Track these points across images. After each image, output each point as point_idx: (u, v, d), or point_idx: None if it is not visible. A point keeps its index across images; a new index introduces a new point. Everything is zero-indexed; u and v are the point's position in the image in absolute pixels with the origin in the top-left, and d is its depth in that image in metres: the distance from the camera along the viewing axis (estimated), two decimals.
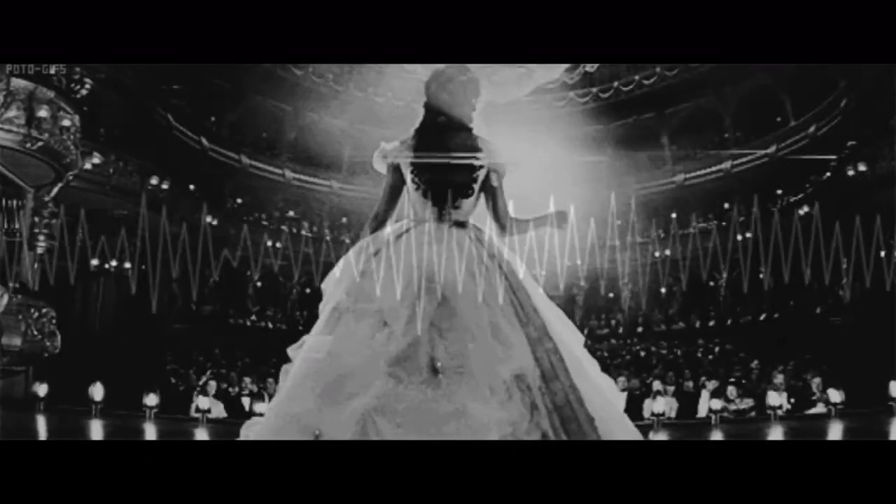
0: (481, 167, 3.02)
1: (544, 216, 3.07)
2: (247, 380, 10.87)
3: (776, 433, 6.74)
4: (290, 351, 2.81)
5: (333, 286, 2.85)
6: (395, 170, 3.07)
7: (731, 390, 9.53)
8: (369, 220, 3.08)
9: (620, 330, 21.62)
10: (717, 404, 7.62)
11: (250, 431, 2.73)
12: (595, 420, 2.59)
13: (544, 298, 2.88)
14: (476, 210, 3.11)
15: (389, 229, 2.99)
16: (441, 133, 3.05)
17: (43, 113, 8.91)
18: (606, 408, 2.68)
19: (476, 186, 3.03)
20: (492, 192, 3.08)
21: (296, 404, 2.56)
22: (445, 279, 2.70)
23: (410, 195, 3.06)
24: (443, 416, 2.41)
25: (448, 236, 2.87)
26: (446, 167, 2.99)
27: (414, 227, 2.94)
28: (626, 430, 2.73)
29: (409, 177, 3.04)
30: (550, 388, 2.61)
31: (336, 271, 2.89)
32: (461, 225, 2.99)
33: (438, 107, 3.08)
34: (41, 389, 7.48)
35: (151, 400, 7.04)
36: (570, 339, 2.82)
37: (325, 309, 2.83)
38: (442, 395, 2.46)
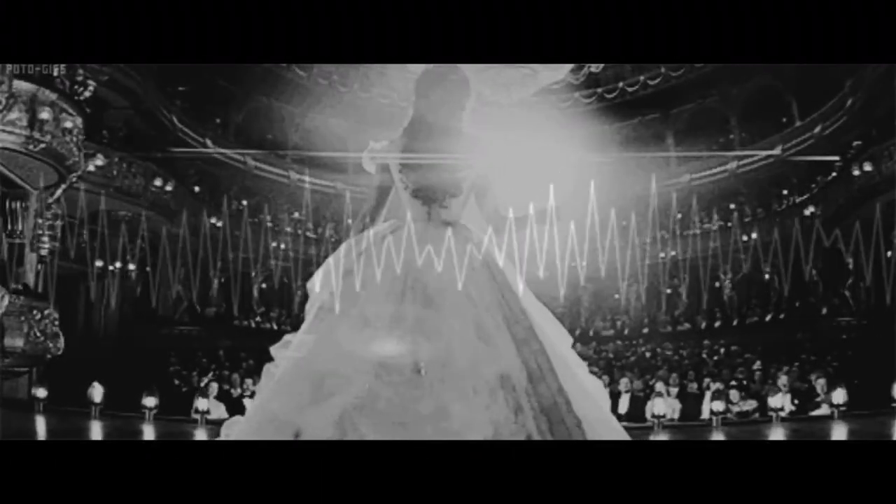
0: (470, 167, 3.01)
1: (534, 214, 3.05)
2: (248, 381, 10.87)
3: (777, 435, 6.69)
4: (273, 350, 2.80)
5: (319, 286, 2.84)
6: (384, 169, 3.05)
7: (734, 393, 9.47)
8: (357, 219, 3.07)
9: (626, 331, 21.57)
10: (718, 406, 7.56)
11: (231, 430, 2.72)
12: (582, 422, 2.56)
13: (532, 299, 2.86)
14: (466, 209, 3.09)
15: (377, 229, 2.98)
16: (430, 132, 3.02)
17: (45, 115, 8.94)
18: (594, 410, 2.65)
19: (465, 186, 3.01)
20: (481, 192, 3.06)
21: (276, 403, 2.56)
22: (431, 279, 2.69)
23: (399, 195, 3.04)
24: (425, 417, 2.40)
25: (436, 236, 2.85)
26: (435, 167, 2.97)
27: (402, 226, 2.92)
28: (612, 432, 2.70)
29: (397, 176, 3.02)
30: (537, 389, 2.58)
31: (321, 271, 2.87)
32: (449, 224, 2.96)
33: (428, 106, 3.05)
34: (41, 391, 7.50)
35: (150, 401, 7.05)
36: (557, 339, 2.79)
37: (311, 309, 2.82)
38: (424, 395, 2.44)
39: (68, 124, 9.37)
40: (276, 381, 2.63)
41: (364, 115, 21.15)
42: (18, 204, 10.07)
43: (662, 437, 6.84)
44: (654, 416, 7.15)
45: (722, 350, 17.30)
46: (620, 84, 22.06)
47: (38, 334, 9.15)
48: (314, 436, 2.40)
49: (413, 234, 2.82)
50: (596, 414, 2.65)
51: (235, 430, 2.68)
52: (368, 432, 2.35)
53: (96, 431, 6.64)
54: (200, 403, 7.18)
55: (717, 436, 6.87)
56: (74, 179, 10.25)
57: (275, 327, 20.60)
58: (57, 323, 9.53)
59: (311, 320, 2.77)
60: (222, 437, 2.74)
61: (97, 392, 7.11)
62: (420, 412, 2.40)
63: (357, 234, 2.98)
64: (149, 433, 6.61)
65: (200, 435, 6.62)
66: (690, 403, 10.41)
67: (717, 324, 20.15)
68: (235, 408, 9.82)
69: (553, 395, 2.58)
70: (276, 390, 2.60)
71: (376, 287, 2.69)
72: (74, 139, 9.57)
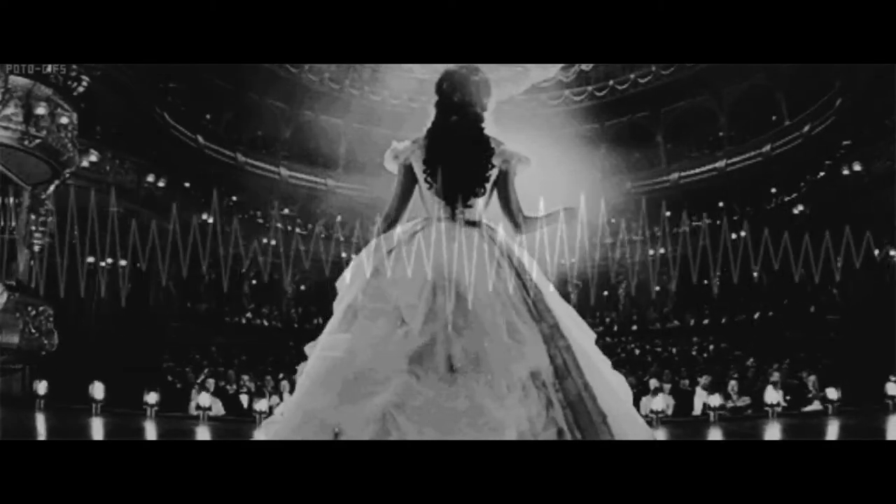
0: (493, 166, 3.04)
1: (555, 213, 3.09)
2: (245, 377, 10.87)
3: (773, 430, 6.80)
4: (308, 349, 2.82)
5: (347, 285, 2.87)
6: (407, 169, 3.09)
7: (733, 384, 9.58)
8: (381, 219, 3.09)
9: (615, 328, 21.67)
10: (715, 401, 7.67)
11: (269, 430, 2.74)
12: (607, 416, 2.61)
13: (556, 296, 2.90)
14: (488, 208, 3.13)
15: (402, 228, 3.01)
16: (453, 133, 3.06)
17: (41, 110, 8.89)
18: (618, 404, 2.70)
19: (488, 186, 3.05)
20: (504, 191, 3.09)
21: (314, 402, 2.57)
22: (459, 278, 2.72)
23: (423, 195, 3.08)
24: (460, 414, 2.43)
25: (460, 235, 2.88)
26: (458, 167, 3.01)
27: (426, 226, 2.96)
28: (637, 427, 2.75)
29: (421, 176, 3.05)
30: (563, 385, 2.63)
31: (350, 270, 2.90)
32: (473, 224, 3.00)
33: (450, 107, 3.09)
34: (41, 387, 7.47)
35: (152, 398, 7.04)
36: (581, 336, 2.84)
37: (339, 307, 2.85)
38: (459, 393, 2.48)
39: (64, 120, 9.32)
40: (313, 381, 2.65)
41: (355, 112, 21.14)
42: (11, 200, 10.00)
43: (660, 432, 6.93)
44: (652, 411, 7.24)
45: (711, 347, 17.44)
46: (611, 82, 22.13)
47: (33, 330, 9.10)
48: (355, 435, 2.42)
49: (438, 234, 2.85)
50: (620, 408, 2.70)
51: (273, 429, 2.70)
52: (408, 430, 2.38)
53: (97, 429, 6.63)
54: (202, 399, 7.18)
55: (715, 431, 6.97)
56: (68, 175, 10.20)
57: (265, 323, 20.58)
58: (51, 319, 9.48)
59: (339, 319, 2.79)
60: (262, 436, 2.76)
61: (98, 389, 7.09)
62: (456, 409, 2.44)
63: (382, 232, 3.01)
64: (151, 430, 6.61)
65: (203, 431, 6.64)
66: (682, 399, 10.53)
67: (705, 321, 20.30)
68: (232, 404, 9.84)
69: (579, 390, 2.63)
70: (314, 389, 2.62)
71: (406, 286, 2.72)
72: (69, 135, 9.51)
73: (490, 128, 3.14)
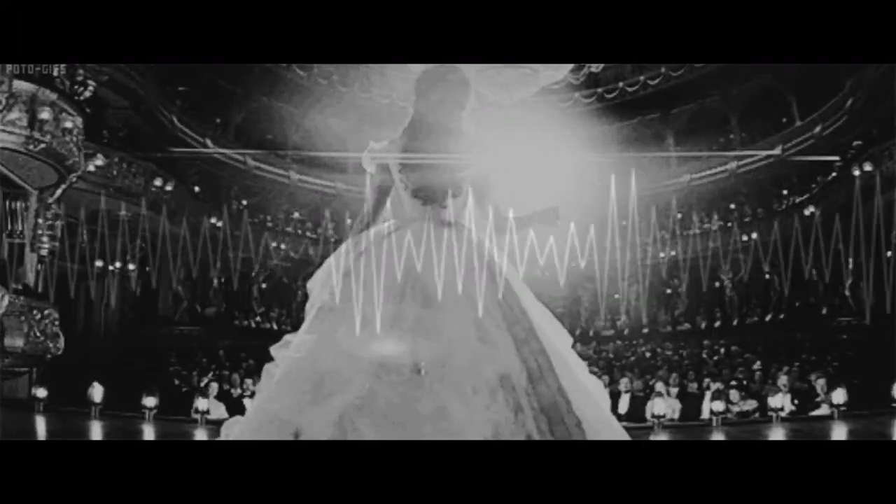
0: (470, 167, 3.00)
1: (533, 214, 3.05)
2: (248, 381, 10.86)
3: (777, 435, 6.69)
4: (273, 350, 2.80)
5: (319, 286, 2.85)
6: (384, 169, 3.05)
7: (734, 393, 9.47)
8: (357, 219, 3.07)
9: (626, 331, 21.56)
10: (718, 406, 7.56)
11: (231, 430, 2.72)
12: (582, 422, 2.56)
13: (532, 299, 2.86)
14: (466, 210, 3.09)
15: (376, 229, 2.98)
16: (430, 132, 3.02)
17: (45, 115, 8.95)
18: (593, 409, 2.65)
19: (465, 186, 3.02)
20: (481, 192, 3.06)
21: (276, 403, 2.56)
22: (431, 279, 2.69)
23: (399, 195, 3.04)
24: (424, 417, 2.40)
25: (435, 236, 2.84)
26: (435, 167, 2.97)
27: (401, 226, 2.93)
28: (612, 432, 2.70)
29: (397, 176, 3.02)
30: (537, 389, 2.58)
31: (322, 271, 2.88)
32: (449, 225, 2.96)
33: (428, 106, 3.05)
34: (41, 391, 7.50)
35: (150, 401, 7.05)
36: (557, 340, 2.79)
37: (311, 309, 2.82)
38: (424, 395, 2.44)
39: (68, 124, 9.38)
40: (277, 382, 2.63)
41: (364, 115, 21.15)
42: (19, 204, 10.08)
43: (662, 437, 6.83)
44: (654, 416, 7.15)
45: (722, 350, 17.29)
46: (620, 84, 22.06)
47: (39, 334, 9.16)
48: (314, 436, 2.40)
49: (412, 234, 2.82)
50: (596, 414, 2.65)
51: (235, 430, 2.68)
52: (368, 432, 2.35)
53: (96, 431, 6.64)
54: (200, 403, 7.20)
55: (717, 436, 6.87)
56: (74, 179, 10.27)
57: (275, 327, 20.61)
58: (57, 323, 9.54)
59: (311, 320, 2.78)
60: (222, 438, 2.74)
61: (97, 392, 7.11)
62: (420, 412, 2.40)
63: (357, 234, 2.98)
64: (149, 433, 6.62)
65: (200, 435, 6.63)
66: (690, 403, 10.40)
67: (717, 324, 20.17)
68: (235, 408, 9.81)
69: (553, 395, 2.58)
70: (277, 390, 2.60)
71: (375, 288, 2.68)
72: (74, 139, 9.58)
73: (469, 127, 3.10)
